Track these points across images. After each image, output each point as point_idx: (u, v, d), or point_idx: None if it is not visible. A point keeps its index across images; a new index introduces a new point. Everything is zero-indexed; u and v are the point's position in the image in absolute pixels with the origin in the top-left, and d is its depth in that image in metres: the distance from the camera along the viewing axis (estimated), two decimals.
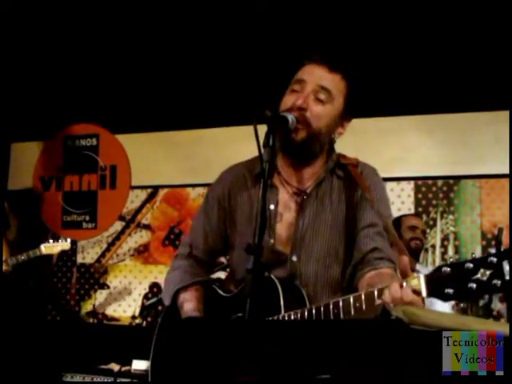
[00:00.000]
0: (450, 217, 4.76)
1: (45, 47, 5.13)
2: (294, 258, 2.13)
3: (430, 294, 1.63)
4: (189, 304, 2.25)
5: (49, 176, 5.96)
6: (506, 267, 1.49)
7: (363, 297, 1.80)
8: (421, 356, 1.42)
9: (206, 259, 2.38)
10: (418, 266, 4.04)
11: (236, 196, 2.28)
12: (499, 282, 1.49)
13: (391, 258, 2.06)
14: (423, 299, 1.67)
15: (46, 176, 5.97)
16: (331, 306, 1.86)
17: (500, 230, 3.86)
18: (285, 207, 2.18)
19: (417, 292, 1.66)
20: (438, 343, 1.42)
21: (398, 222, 4.15)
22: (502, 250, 1.52)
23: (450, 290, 1.56)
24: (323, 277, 2.13)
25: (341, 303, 1.84)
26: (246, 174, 2.28)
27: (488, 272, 1.51)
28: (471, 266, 1.54)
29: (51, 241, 4.91)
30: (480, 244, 4.66)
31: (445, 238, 4.76)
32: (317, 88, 2.09)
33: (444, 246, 4.75)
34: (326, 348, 1.51)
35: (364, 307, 1.79)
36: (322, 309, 1.89)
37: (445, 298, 1.60)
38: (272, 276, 2.05)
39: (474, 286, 1.53)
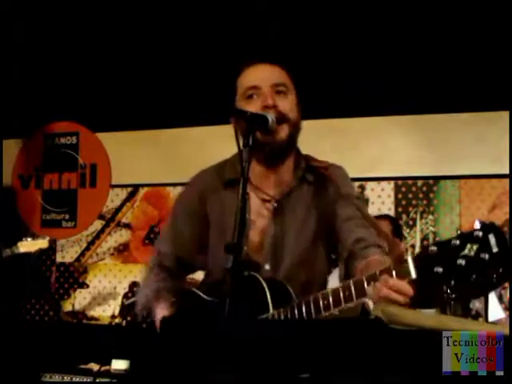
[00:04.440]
0: (430, 217, 4.79)
1: (25, 45, 5.09)
2: (267, 267, 2.12)
3: (420, 274, 1.60)
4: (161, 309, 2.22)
5: (28, 174, 5.91)
6: (492, 240, 1.48)
7: (352, 285, 1.77)
8: (402, 355, 1.42)
9: (176, 268, 2.34)
10: None
11: (207, 204, 2.25)
12: (487, 256, 1.47)
13: (376, 243, 2.05)
14: (413, 286, 1.63)
15: (25, 174, 5.92)
16: (320, 298, 1.84)
17: None
18: (257, 214, 2.17)
19: (404, 277, 1.63)
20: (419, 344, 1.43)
21: None
22: (486, 223, 1.50)
23: (440, 269, 1.54)
24: (297, 285, 2.11)
25: (330, 294, 1.82)
26: (217, 181, 2.25)
27: (475, 247, 1.49)
28: (457, 242, 1.52)
29: (29, 238, 4.86)
30: None
31: (424, 238, 4.79)
32: (272, 86, 2.09)
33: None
34: (305, 347, 1.51)
35: (354, 296, 1.75)
36: (312, 301, 1.86)
37: (435, 277, 1.56)
38: (256, 274, 2.02)
39: (463, 262, 1.50)
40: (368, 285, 1.72)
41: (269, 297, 1.97)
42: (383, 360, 1.41)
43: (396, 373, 1.41)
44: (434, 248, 1.55)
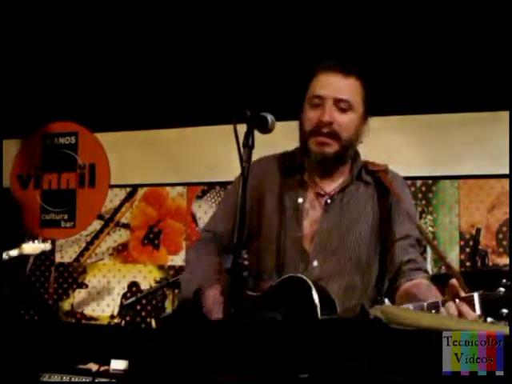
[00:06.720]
0: (429, 217, 4.78)
1: (25, 45, 5.09)
2: (315, 263, 2.12)
3: (485, 313, 1.69)
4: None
5: (27, 174, 5.91)
6: None
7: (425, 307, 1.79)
8: (402, 356, 1.42)
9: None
10: None
11: (264, 188, 2.26)
12: None
13: (425, 268, 2.12)
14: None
15: (24, 174, 5.92)
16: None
17: (478, 231, 3.88)
18: (311, 205, 2.19)
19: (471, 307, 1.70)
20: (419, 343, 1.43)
21: None
22: None
23: (505, 311, 1.63)
24: (342, 283, 2.11)
25: None
26: (276, 167, 2.28)
27: None
28: None
29: (35, 241, 4.86)
30: (458, 244, 4.69)
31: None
32: (336, 100, 2.12)
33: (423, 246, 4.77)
34: (305, 347, 1.51)
35: None
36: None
37: (498, 317, 1.66)
38: (303, 276, 2.00)
39: None
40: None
41: (318, 302, 1.93)
42: (383, 360, 1.41)
43: (396, 373, 1.41)
44: (501, 290, 1.66)
